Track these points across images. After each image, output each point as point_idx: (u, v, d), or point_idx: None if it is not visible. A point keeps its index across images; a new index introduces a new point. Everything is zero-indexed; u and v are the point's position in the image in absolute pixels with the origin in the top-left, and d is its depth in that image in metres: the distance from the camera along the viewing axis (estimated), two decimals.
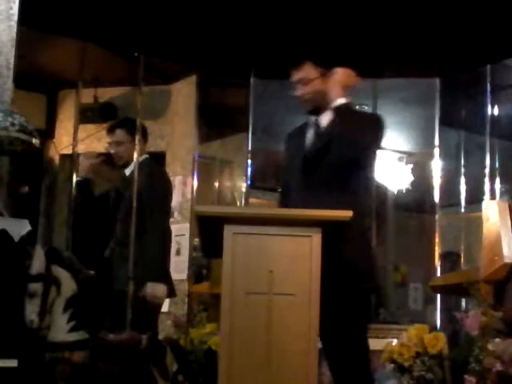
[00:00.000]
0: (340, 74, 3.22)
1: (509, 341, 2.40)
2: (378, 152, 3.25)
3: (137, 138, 4.51)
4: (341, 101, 3.17)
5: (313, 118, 3.17)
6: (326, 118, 3.08)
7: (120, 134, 4.46)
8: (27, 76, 4.90)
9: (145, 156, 4.55)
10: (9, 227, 2.85)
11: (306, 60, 3.17)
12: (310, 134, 3.16)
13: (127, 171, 4.50)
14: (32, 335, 2.91)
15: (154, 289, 4.12)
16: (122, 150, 4.44)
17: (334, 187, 3.02)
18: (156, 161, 4.80)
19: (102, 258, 4.36)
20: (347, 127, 3.04)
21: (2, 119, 2.96)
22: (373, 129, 3.16)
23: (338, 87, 3.20)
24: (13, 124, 2.96)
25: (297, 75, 3.15)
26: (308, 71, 3.16)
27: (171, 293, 4.41)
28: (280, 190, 3.35)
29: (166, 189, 4.46)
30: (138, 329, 3.91)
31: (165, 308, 5.55)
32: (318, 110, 3.15)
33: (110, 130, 4.51)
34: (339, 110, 3.10)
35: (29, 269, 2.93)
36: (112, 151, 4.47)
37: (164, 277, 4.22)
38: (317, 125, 3.12)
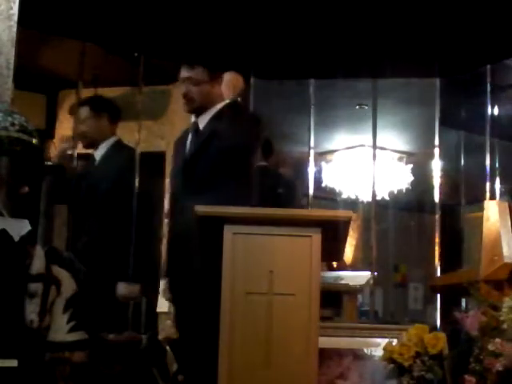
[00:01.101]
0: (229, 78, 3.25)
1: None
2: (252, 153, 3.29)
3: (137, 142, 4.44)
4: (224, 103, 3.20)
5: (193, 118, 3.24)
6: (204, 120, 3.16)
7: (83, 111, 4.23)
8: (27, 76, 4.90)
9: (113, 138, 4.30)
10: (9, 227, 2.85)
11: (198, 62, 3.21)
12: (190, 136, 3.21)
13: (97, 154, 4.22)
14: (32, 335, 2.91)
15: (123, 288, 3.99)
16: (85, 129, 4.20)
17: (212, 187, 3.06)
18: (156, 161, 4.78)
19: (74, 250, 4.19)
20: (225, 128, 3.09)
21: (2, 119, 2.96)
22: (251, 129, 3.19)
23: (226, 90, 3.22)
24: (13, 124, 2.97)
25: (187, 73, 3.17)
26: (199, 73, 3.18)
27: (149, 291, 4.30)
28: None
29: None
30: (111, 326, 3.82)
31: (165, 308, 5.55)
32: (200, 111, 3.19)
33: (72, 110, 4.38)
34: (219, 112, 3.17)
35: (29, 269, 2.94)
36: (77, 132, 4.32)
37: (136, 276, 4.02)
38: (196, 126, 3.18)
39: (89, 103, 4.29)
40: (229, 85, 3.22)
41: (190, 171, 3.12)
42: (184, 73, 3.17)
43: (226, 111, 3.18)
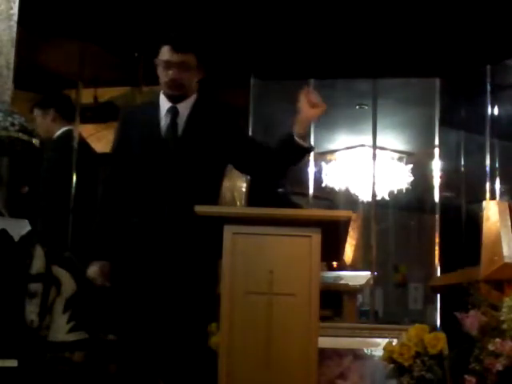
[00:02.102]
0: (203, 72, 3.23)
1: None
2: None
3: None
4: (195, 96, 3.18)
5: (166, 105, 3.14)
6: (186, 108, 3.11)
7: (35, 111, 4.38)
8: (27, 76, 4.90)
9: (63, 129, 4.37)
10: (9, 227, 2.85)
11: (193, 48, 3.15)
12: (165, 122, 3.12)
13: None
14: (32, 335, 2.91)
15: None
16: (38, 126, 4.21)
17: (195, 177, 3.05)
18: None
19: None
20: (208, 119, 3.11)
21: (2, 119, 2.96)
22: (235, 122, 3.19)
23: (195, 84, 3.21)
24: (13, 124, 2.96)
25: (179, 58, 3.10)
26: (191, 58, 3.13)
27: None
28: (113, 174, 3.21)
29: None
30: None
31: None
32: (181, 98, 3.14)
33: (31, 110, 4.40)
34: (199, 103, 3.16)
35: (29, 269, 2.93)
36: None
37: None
38: (174, 112, 3.11)
39: (38, 102, 4.40)
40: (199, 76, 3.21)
41: (171, 159, 3.06)
42: (174, 57, 3.09)
43: (205, 103, 3.18)
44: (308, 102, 3.05)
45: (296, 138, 3.02)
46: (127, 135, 3.18)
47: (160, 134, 3.10)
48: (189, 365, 3.01)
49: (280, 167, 3.18)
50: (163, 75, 3.12)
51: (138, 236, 3.04)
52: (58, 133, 4.35)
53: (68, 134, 4.41)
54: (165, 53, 3.11)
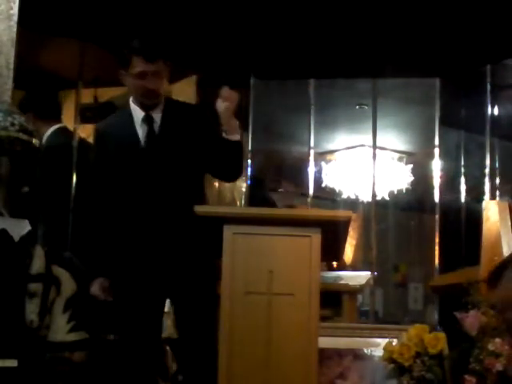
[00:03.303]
0: (168, 73, 3.25)
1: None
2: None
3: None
4: (162, 98, 3.21)
5: (139, 114, 3.16)
6: (158, 114, 3.14)
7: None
8: (27, 76, 4.89)
9: (52, 129, 4.33)
10: (9, 227, 2.85)
11: (162, 55, 3.17)
12: (142, 131, 3.14)
13: None
14: (32, 335, 2.91)
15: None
16: None
17: (179, 179, 3.08)
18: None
19: None
20: (179, 121, 3.15)
21: (2, 119, 2.96)
22: (205, 121, 3.22)
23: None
24: (13, 124, 2.97)
25: (153, 67, 3.11)
26: (162, 65, 3.16)
27: None
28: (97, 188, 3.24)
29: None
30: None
31: (165, 308, 5.54)
32: (153, 106, 3.17)
33: None
34: (168, 108, 3.20)
35: (29, 269, 2.93)
36: None
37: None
38: (150, 120, 3.14)
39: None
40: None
41: (152, 167, 3.09)
42: (148, 67, 3.10)
43: (171, 107, 3.21)
44: (220, 97, 3.10)
45: (223, 134, 3.06)
46: (105, 151, 3.19)
47: (139, 144, 3.13)
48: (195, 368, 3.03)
49: (223, 165, 3.19)
50: (137, 85, 3.13)
51: (135, 246, 3.06)
52: (48, 133, 4.27)
53: (56, 133, 4.32)
54: (138, 64, 3.11)
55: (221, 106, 3.09)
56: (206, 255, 2.99)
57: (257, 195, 5.92)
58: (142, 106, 3.15)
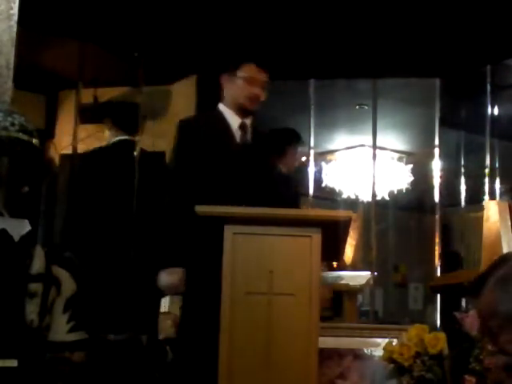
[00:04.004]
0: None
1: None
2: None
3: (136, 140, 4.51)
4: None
5: (235, 118, 3.25)
6: (249, 122, 3.28)
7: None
8: (27, 76, 4.90)
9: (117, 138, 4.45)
10: (9, 227, 2.85)
11: (267, 68, 3.32)
12: (237, 134, 3.24)
13: None
14: (32, 335, 2.91)
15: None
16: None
17: (264, 183, 3.18)
18: (156, 160, 4.77)
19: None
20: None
21: (2, 119, 2.96)
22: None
23: None
24: (13, 124, 2.96)
25: (263, 77, 3.29)
26: (267, 78, 3.33)
27: None
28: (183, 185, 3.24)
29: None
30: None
31: (165, 308, 5.54)
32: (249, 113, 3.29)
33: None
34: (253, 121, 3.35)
35: (29, 269, 2.93)
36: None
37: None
38: (245, 127, 3.25)
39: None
40: None
41: (244, 170, 3.19)
42: (260, 75, 3.27)
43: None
44: None
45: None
46: (194, 148, 3.24)
47: (235, 146, 3.23)
48: None
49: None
50: (244, 90, 3.24)
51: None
52: (112, 140, 4.40)
53: (121, 143, 4.41)
54: (249, 69, 3.25)
55: None
56: None
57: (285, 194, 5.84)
58: (239, 112, 3.24)
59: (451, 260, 6.22)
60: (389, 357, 3.12)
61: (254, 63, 3.25)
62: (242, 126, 3.24)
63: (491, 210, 3.68)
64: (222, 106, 3.29)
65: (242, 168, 3.18)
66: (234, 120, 3.24)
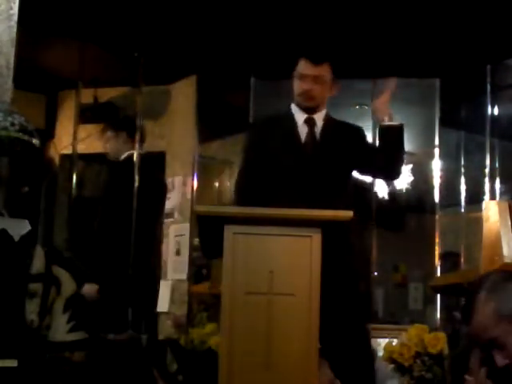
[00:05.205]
0: (338, 88, 3.32)
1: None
2: None
3: (137, 141, 4.54)
4: (325, 110, 3.33)
5: (301, 115, 3.22)
6: (319, 119, 3.23)
7: (107, 132, 4.64)
8: (27, 76, 4.90)
9: (130, 152, 4.56)
10: (9, 227, 2.85)
11: (329, 60, 3.23)
12: (303, 131, 3.21)
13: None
14: (32, 335, 2.90)
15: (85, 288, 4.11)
16: (108, 147, 4.61)
17: (333, 187, 3.15)
18: (156, 161, 4.81)
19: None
20: (337, 131, 3.27)
21: (2, 119, 2.95)
22: (361, 139, 3.34)
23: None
24: (13, 124, 2.96)
25: (316, 71, 3.19)
26: (327, 72, 3.22)
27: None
28: (244, 183, 3.30)
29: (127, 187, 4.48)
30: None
31: (165, 308, 5.55)
32: (313, 109, 3.23)
33: (102, 131, 4.70)
34: (328, 117, 3.31)
35: (29, 269, 2.93)
36: (106, 150, 4.65)
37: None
38: (312, 122, 3.21)
39: (113, 125, 4.67)
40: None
41: (310, 167, 3.17)
42: (309, 70, 3.19)
43: (331, 119, 3.31)
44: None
45: (381, 124, 3.14)
46: (264, 144, 3.27)
47: (300, 142, 3.21)
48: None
49: (387, 160, 3.23)
50: (297, 87, 3.23)
51: None
52: (125, 155, 4.56)
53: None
54: (303, 66, 3.22)
55: (380, 98, 3.20)
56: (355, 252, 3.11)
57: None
58: (304, 109, 3.24)
59: (451, 260, 6.21)
60: (389, 357, 3.13)
61: (306, 58, 3.21)
62: (308, 122, 3.22)
63: (491, 210, 3.67)
64: (292, 105, 3.32)
65: (304, 164, 3.16)
66: (299, 116, 3.24)
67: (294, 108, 3.30)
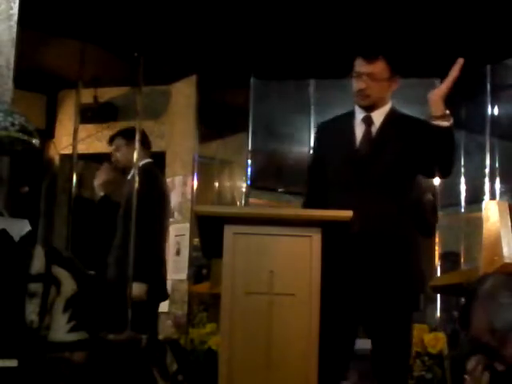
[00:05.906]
0: (397, 83, 3.23)
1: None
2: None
3: (136, 140, 4.54)
4: (389, 104, 3.22)
5: (360, 114, 3.17)
6: (378, 117, 3.14)
7: (117, 140, 4.64)
8: (27, 76, 4.90)
9: (146, 160, 4.58)
10: (9, 227, 2.85)
11: (383, 57, 3.16)
12: (359, 130, 3.16)
13: (129, 176, 4.58)
14: (32, 335, 2.90)
15: (135, 288, 4.23)
16: (119, 155, 4.61)
17: (389, 189, 3.05)
18: (156, 161, 4.81)
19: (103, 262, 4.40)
20: (400, 130, 3.12)
21: (2, 119, 2.95)
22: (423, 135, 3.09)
23: (389, 94, 3.23)
24: (13, 124, 2.96)
25: (369, 68, 3.12)
26: (382, 69, 3.14)
27: (161, 294, 4.44)
28: (308, 188, 3.29)
29: (159, 194, 4.51)
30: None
31: (165, 308, 5.55)
32: (371, 107, 3.16)
33: (111, 140, 4.69)
34: (390, 115, 3.18)
35: (29, 269, 2.93)
36: (113, 158, 4.65)
37: (145, 277, 4.28)
38: (369, 120, 3.14)
39: (122, 134, 4.69)
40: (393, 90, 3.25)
41: (365, 166, 3.09)
42: (363, 67, 3.12)
43: (394, 116, 3.19)
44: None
45: (433, 122, 2.96)
46: (322, 144, 3.26)
47: (355, 140, 3.14)
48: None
49: (438, 159, 3.09)
50: (354, 86, 3.16)
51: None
52: (142, 163, 4.58)
53: (150, 166, 4.64)
54: (357, 64, 3.15)
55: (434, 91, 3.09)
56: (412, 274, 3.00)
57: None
58: (362, 107, 3.17)
59: (451, 260, 6.21)
60: None
61: (360, 56, 3.13)
62: (366, 120, 3.15)
63: (491, 210, 3.67)
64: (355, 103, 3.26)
65: (357, 165, 3.08)
66: (358, 115, 3.18)
67: (356, 107, 3.24)
